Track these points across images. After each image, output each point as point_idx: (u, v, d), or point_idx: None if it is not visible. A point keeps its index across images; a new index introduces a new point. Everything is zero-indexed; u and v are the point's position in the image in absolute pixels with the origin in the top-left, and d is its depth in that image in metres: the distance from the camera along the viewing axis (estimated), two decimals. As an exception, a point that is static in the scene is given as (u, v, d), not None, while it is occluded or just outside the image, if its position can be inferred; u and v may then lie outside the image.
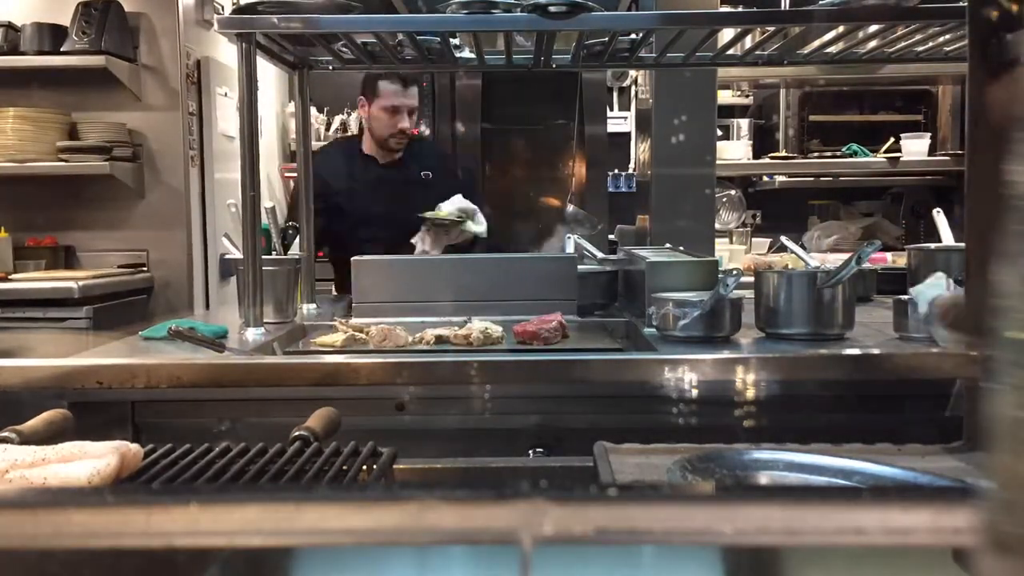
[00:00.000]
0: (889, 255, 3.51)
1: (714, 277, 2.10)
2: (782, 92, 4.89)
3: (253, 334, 1.99)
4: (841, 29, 2.17)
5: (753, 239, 4.68)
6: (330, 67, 2.57)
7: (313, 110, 4.95)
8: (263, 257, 2.08)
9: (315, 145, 3.72)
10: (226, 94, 4.35)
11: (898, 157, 4.55)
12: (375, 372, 1.72)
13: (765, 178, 4.92)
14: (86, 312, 3.42)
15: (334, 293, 3.23)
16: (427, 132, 3.75)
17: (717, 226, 4.00)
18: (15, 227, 3.75)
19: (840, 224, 4.67)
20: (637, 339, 2.07)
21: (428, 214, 2.86)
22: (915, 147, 4.53)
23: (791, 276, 1.91)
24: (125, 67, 3.85)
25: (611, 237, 4.05)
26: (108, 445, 0.96)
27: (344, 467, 1.10)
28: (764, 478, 1.06)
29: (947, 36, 2.16)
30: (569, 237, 2.86)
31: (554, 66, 2.52)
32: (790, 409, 1.72)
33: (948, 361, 1.65)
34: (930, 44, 2.25)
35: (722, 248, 4.03)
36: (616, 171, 5.28)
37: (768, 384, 1.69)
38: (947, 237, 2.45)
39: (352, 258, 2.43)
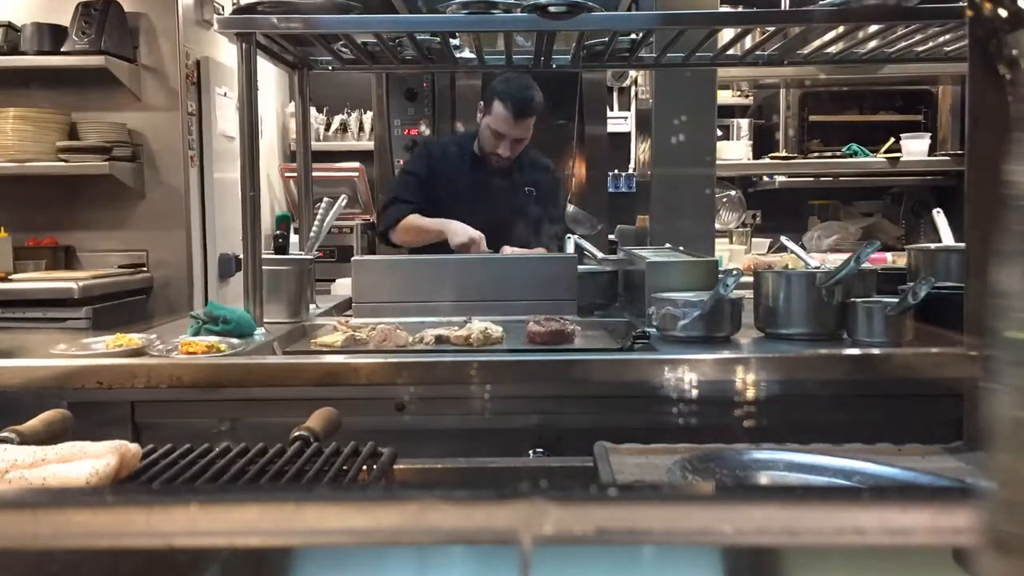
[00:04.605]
0: (889, 255, 3.51)
1: (714, 277, 2.10)
2: (782, 92, 4.89)
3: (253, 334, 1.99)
4: (841, 29, 2.18)
5: (753, 239, 4.68)
6: (330, 67, 2.57)
7: (313, 110, 4.95)
8: (277, 256, 2.08)
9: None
10: (226, 94, 4.35)
11: (898, 157, 4.55)
12: (375, 372, 1.72)
13: (765, 178, 4.91)
14: (86, 312, 3.42)
15: None
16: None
17: (717, 226, 4.00)
18: (15, 227, 3.75)
19: (840, 224, 4.66)
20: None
21: None
22: (915, 147, 4.52)
23: (791, 276, 1.91)
24: (125, 67, 3.85)
25: (611, 237, 4.04)
26: (107, 445, 0.96)
27: (344, 467, 1.10)
28: (764, 478, 1.06)
29: (947, 36, 2.16)
30: (569, 237, 2.85)
31: (554, 66, 2.52)
32: (790, 409, 1.72)
33: (948, 361, 1.64)
34: (930, 44, 2.25)
35: (722, 248, 4.03)
36: (616, 171, 5.28)
37: (768, 384, 1.69)
38: (947, 237, 2.45)
39: (352, 258, 2.44)
